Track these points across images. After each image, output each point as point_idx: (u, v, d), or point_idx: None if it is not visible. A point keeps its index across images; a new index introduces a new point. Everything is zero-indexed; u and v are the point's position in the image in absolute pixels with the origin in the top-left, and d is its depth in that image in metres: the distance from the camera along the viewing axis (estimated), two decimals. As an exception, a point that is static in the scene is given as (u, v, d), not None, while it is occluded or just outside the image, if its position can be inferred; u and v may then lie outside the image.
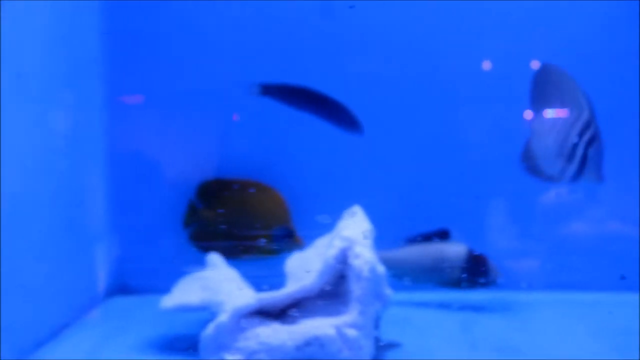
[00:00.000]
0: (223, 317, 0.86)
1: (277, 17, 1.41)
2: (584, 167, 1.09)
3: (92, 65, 1.33)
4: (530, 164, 1.19)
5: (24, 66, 0.97)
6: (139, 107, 1.44)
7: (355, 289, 0.84)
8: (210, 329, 0.86)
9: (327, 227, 1.02)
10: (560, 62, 1.34)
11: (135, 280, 1.40)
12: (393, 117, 1.43)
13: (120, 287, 1.38)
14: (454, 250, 1.25)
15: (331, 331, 0.82)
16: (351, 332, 0.82)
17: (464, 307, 1.25)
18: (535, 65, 1.40)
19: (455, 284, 1.25)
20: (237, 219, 1.30)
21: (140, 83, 1.43)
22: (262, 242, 1.29)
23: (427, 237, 1.27)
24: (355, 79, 1.43)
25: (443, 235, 1.27)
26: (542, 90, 1.20)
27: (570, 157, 1.10)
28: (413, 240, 1.27)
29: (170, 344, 1.02)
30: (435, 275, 1.25)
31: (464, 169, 1.42)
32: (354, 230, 0.91)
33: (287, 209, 1.33)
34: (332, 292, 0.90)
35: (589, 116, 1.09)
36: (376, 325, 0.92)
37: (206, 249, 1.29)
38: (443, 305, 1.26)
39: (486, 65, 1.43)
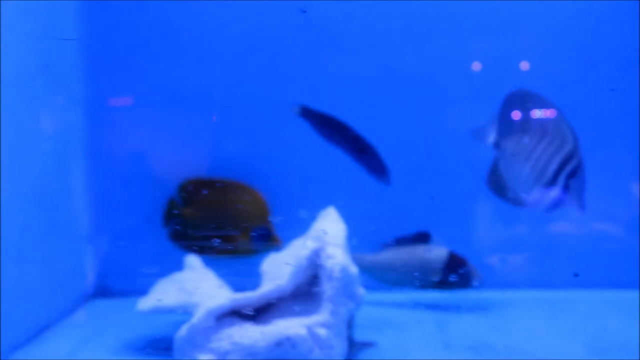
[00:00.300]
0: (196, 318, 0.87)
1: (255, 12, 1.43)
2: (565, 197, 1.08)
3: (72, 65, 1.33)
4: (498, 187, 1.18)
5: (2, 67, 0.98)
6: (122, 108, 1.44)
7: (327, 289, 0.85)
8: (183, 330, 0.87)
9: (306, 228, 1.04)
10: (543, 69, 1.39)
11: (118, 282, 1.40)
12: (375, 119, 1.45)
13: (103, 289, 1.38)
14: (435, 253, 1.26)
15: (302, 331, 0.82)
16: (322, 332, 0.83)
17: (442, 307, 1.26)
18: (524, 66, 1.43)
19: (435, 285, 1.26)
20: (217, 218, 1.31)
21: (122, 83, 1.43)
22: (241, 241, 1.30)
23: (408, 240, 1.28)
24: (336, 79, 1.44)
25: (424, 237, 1.28)
26: (517, 114, 1.16)
27: (550, 187, 1.08)
28: (394, 243, 1.29)
29: (147, 346, 1.03)
30: (416, 278, 1.27)
31: (444, 171, 1.44)
32: (328, 231, 0.92)
33: (267, 210, 1.34)
34: (306, 292, 0.91)
35: (572, 146, 1.07)
36: (349, 325, 0.93)
37: (186, 248, 1.31)
38: (421, 306, 1.27)
39: (468, 66, 1.45)
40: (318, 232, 0.91)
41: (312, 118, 1.26)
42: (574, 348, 1.03)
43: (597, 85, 1.43)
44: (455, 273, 1.26)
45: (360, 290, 0.91)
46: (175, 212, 1.31)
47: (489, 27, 1.43)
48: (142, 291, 1.07)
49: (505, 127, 1.14)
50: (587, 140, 1.41)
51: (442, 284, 1.26)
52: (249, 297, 0.89)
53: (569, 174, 1.07)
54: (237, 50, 1.43)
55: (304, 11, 1.39)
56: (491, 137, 1.15)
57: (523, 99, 1.15)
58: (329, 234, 0.91)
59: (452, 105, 1.45)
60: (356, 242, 1.25)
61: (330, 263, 0.86)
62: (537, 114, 1.14)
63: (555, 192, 1.07)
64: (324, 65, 1.44)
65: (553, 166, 1.07)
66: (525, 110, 1.15)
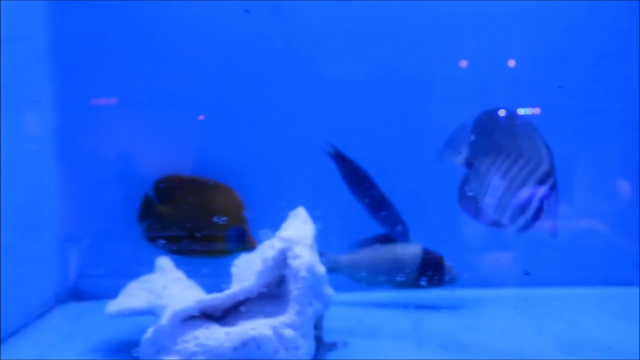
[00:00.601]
0: (163, 320, 0.86)
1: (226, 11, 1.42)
2: (537, 219, 1.04)
3: (41, 65, 1.32)
4: (469, 206, 1.17)
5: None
6: (95, 107, 1.43)
7: (293, 289, 0.85)
8: (149, 332, 0.86)
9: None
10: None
11: (91, 284, 1.39)
12: (349, 120, 1.45)
13: (76, 292, 1.37)
14: (410, 251, 1.26)
15: (268, 332, 0.82)
16: (288, 332, 0.82)
17: (418, 306, 1.26)
18: (511, 64, 1.43)
19: (411, 284, 1.26)
20: (193, 217, 1.30)
21: (95, 83, 1.41)
22: (216, 242, 1.29)
23: (383, 239, 1.28)
24: (309, 81, 1.44)
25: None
26: (493, 133, 1.13)
27: (523, 207, 1.05)
28: (369, 242, 1.28)
29: (115, 349, 1.02)
30: (392, 277, 1.26)
31: (418, 172, 1.45)
32: (295, 231, 0.91)
33: (243, 210, 1.33)
34: (274, 293, 0.90)
35: (548, 168, 1.04)
36: (318, 325, 0.92)
37: (160, 247, 1.30)
38: (396, 305, 1.27)
39: (442, 68, 1.46)
40: (286, 233, 0.90)
41: (341, 162, 1.25)
42: (544, 345, 1.03)
43: (581, 83, 1.46)
44: (431, 271, 1.25)
45: (329, 290, 0.91)
46: (150, 209, 1.30)
47: (471, 29, 1.45)
48: (116, 294, 1.07)
49: (478, 145, 1.12)
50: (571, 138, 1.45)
51: (418, 282, 1.26)
52: (216, 298, 0.88)
53: (544, 195, 1.04)
54: (214, 51, 1.43)
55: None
56: (462, 156, 1.14)
57: (496, 118, 1.13)
58: (297, 234, 0.90)
59: (430, 106, 1.46)
60: (332, 242, 1.27)
61: (296, 263, 0.86)
62: (512, 132, 1.10)
63: (529, 214, 1.04)
64: (304, 65, 1.44)
65: (529, 185, 1.05)
66: (500, 129, 1.12)
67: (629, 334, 1.06)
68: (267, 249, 0.93)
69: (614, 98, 1.46)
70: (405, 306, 1.27)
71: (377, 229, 1.28)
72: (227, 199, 1.32)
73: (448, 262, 1.26)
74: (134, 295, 1.01)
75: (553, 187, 1.04)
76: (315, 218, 1.17)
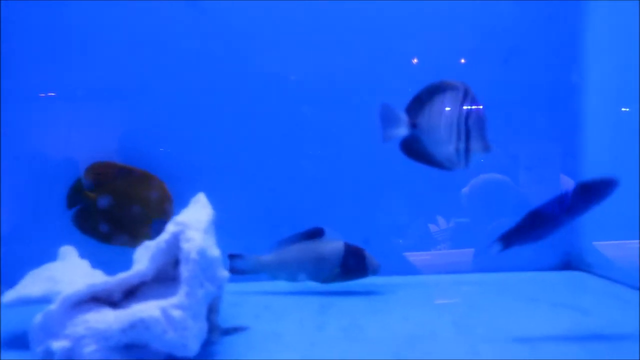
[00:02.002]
0: (52, 305, 0.86)
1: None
2: (469, 140, 1.12)
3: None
4: (425, 159, 1.22)
5: None
6: (31, 100, 1.44)
7: (183, 271, 0.86)
8: (38, 317, 0.86)
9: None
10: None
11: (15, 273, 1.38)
12: (272, 119, 1.48)
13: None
14: (332, 246, 1.29)
15: (156, 313, 0.83)
16: (176, 313, 0.83)
17: (330, 293, 1.29)
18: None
19: (335, 278, 1.29)
20: (120, 204, 1.31)
21: (31, 77, 1.44)
22: (141, 231, 1.30)
23: (303, 237, 1.30)
24: (239, 74, 1.47)
25: (318, 233, 1.30)
26: (424, 94, 1.22)
27: (458, 136, 1.13)
28: (289, 241, 1.30)
29: (6, 342, 1.01)
30: (315, 273, 1.29)
31: (335, 168, 1.49)
32: (190, 215, 0.93)
33: (171, 203, 1.34)
34: (170, 276, 0.91)
35: (464, 91, 1.14)
36: (213, 308, 0.94)
37: (88, 233, 1.30)
38: (310, 292, 1.30)
39: (365, 64, 1.51)
40: (181, 217, 0.92)
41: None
42: (440, 326, 1.07)
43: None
44: (353, 264, 1.28)
45: (223, 273, 0.92)
46: (79, 195, 1.30)
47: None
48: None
49: (418, 108, 1.19)
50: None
51: (342, 276, 1.29)
52: (108, 282, 0.89)
53: (467, 115, 1.13)
54: (148, 45, 1.45)
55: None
56: (404, 123, 1.19)
57: (430, 86, 1.21)
58: (191, 218, 0.91)
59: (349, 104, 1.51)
60: (254, 243, 1.29)
61: (187, 246, 0.87)
62: (437, 87, 1.19)
63: (462, 141, 1.13)
64: (241, 61, 1.47)
65: (456, 116, 1.14)
66: (428, 89, 1.20)
67: (530, 317, 1.11)
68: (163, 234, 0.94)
69: (524, 91, 1.54)
70: (319, 293, 1.30)
71: (297, 228, 1.32)
72: (155, 190, 1.33)
73: (369, 254, 1.29)
74: (32, 284, 1.00)
75: (473, 105, 1.13)
76: (235, 218, 1.20)
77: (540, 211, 0.98)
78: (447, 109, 1.15)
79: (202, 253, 0.87)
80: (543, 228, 0.98)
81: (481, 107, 1.14)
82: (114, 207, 1.30)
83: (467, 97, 1.14)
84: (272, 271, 1.28)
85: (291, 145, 1.48)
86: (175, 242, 0.89)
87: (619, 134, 1.51)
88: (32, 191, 1.43)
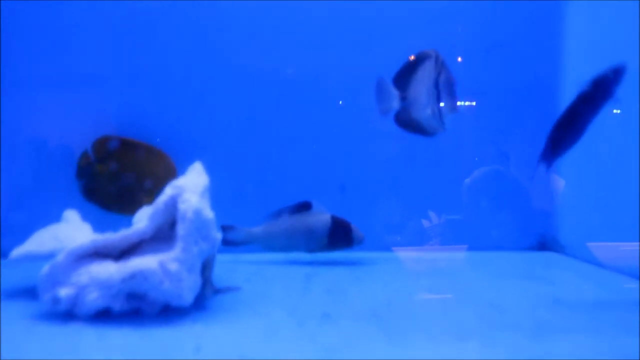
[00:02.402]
0: (58, 257, 0.94)
1: None
2: (439, 99, 1.20)
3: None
4: (416, 128, 1.28)
5: None
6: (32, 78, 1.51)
7: (180, 229, 0.94)
8: (45, 268, 0.93)
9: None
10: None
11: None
12: (266, 93, 1.56)
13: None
14: (319, 219, 1.37)
15: (154, 265, 0.90)
16: (173, 266, 0.91)
17: (318, 263, 1.38)
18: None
19: (322, 248, 1.37)
20: (128, 177, 1.37)
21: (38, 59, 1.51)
22: (146, 203, 1.36)
23: (292, 210, 1.38)
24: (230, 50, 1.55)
25: (305, 206, 1.39)
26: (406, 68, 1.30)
27: (432, 99, 1.21)
28: (278, 214, 1.38)
29: (15, 293, 1.08)
30: (304, 244, 1.37)
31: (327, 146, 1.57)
32: (188, 180, 1.00)
33: (175, 176, 1.41)
34: (166, 236, 0.99)
35: (434, 57, 1.21)
36: (207, 266, 1.02)
37: (95, 202, 1.37)
38: (299, 262, 1.38)
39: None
40: (179, 182, 0.99)
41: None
42: (416, 291, 1.16)
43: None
44: (339, 235, 1.37)
45: (217, 234, 1.00)
46: (88, 167, 1.37)
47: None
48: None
49: (403, 83, 1.27)
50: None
51: (329, 246, 1.37)
52: (109, 238, 0.96)
53: (437, 76, 1.20)
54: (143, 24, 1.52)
55: None
56: (396, 96, 1.27)
57: (410, 60, 1.29)
58: (188, 183, 0.99)
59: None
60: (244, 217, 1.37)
61: (184, 206, 0.95)
62: (424, 62, 1.26)
63: (436, 105, 1.21)
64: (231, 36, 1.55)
65: (434, 84, 1.21)
66: (415, 64, 1.28)
67: (501, 286, 1.20)
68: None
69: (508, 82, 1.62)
70: (307, 263, 1.38)
71: (287, 201, 1.40)
72: (161, 164, 1.40)
73: (354, 226, 1.38)
74: (38, 242, 1.07)
75: (441, 68, 1.20)
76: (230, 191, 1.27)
77: (566, 116, 1.06)
78: (425, 77, 1.23)
79: (197, 213, 0.95)
80: (574, 128, 1.07)
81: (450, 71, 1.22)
82: (120, 179, 1.37)
83: (438, 62, 1.21)
84: (263, 242, 1.35)
85: (283, 122, 1.55)
86: (172, 204, 0.97)
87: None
88: (36, 161, 1.51)
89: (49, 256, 1.03)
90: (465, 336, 0.88)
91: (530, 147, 1.64)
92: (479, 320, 0.95)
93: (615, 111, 1.54)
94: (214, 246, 1.00)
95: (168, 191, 0.98)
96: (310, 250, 1.36)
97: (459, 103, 1.23)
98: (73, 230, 1.11)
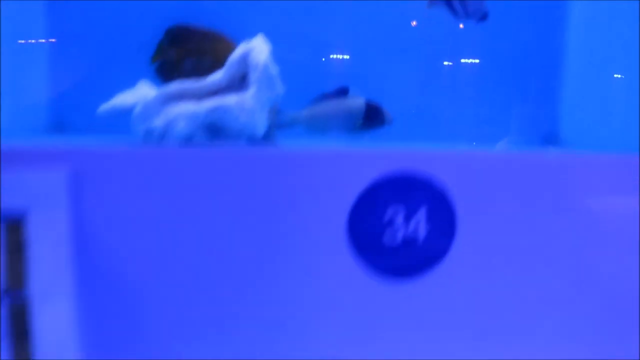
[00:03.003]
0: (149, 98, 1.12)
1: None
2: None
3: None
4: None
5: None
6: None
7: (252, 76, 1.12)
8: (138, 107, 1.12)
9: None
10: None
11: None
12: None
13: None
14: (354, 102, 1.55)
15: (232, 101, 1.09)
16: (247, 103, 1.09)
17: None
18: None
19: (357, 129, 1.55)
20: (198, 61, 1.51)
21: None
22: None
23: (331, 95, 1.56)
24: None
25: (343, 92, 1.57)
26: None
27: None
28: (319, 98, 1.56)
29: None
30: (341, 125, 1.55)
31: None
32: (256, 42, 1.18)
33: None
34: (238, 86, 1.17)
35: None
36: (273, 111, 1.20)
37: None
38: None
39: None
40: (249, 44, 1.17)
41: None
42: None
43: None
44: (372, 117, 1.55)
45: (280, 86, 1.17)
46: (163, 51, 1.49)
47: None
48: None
49: None
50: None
51: (364, 126, 1.55)
52: (192, 86, 1.14)
53: None
54: None
55: None
56: None
57: None
58: (257, 44, 1.17)
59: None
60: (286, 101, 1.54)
61: (255, 59, 1.13)
62: None
63: None
64: None
65: None
66: None
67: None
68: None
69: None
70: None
71: (327, 88, 1.58)
72: (229, 48, 1.48)
73: (385, 108, 1.56)
74: (123, 98, 1.25)
75: None
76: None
77: None
78: None
79: (266, 66, 1.13)
80: None
81: None
82: (192, 62, 1.50)
83: None
84: (307, 123, 1.53)
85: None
86: (244, 59, 1.15)
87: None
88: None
89: (133, 107, 1.22)
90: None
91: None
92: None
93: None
94: (278, 95, 1.18)
95: (240, 49, 1.16)
96: (348, 130, 1.54)
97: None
98: (150, 90, 1.28)
